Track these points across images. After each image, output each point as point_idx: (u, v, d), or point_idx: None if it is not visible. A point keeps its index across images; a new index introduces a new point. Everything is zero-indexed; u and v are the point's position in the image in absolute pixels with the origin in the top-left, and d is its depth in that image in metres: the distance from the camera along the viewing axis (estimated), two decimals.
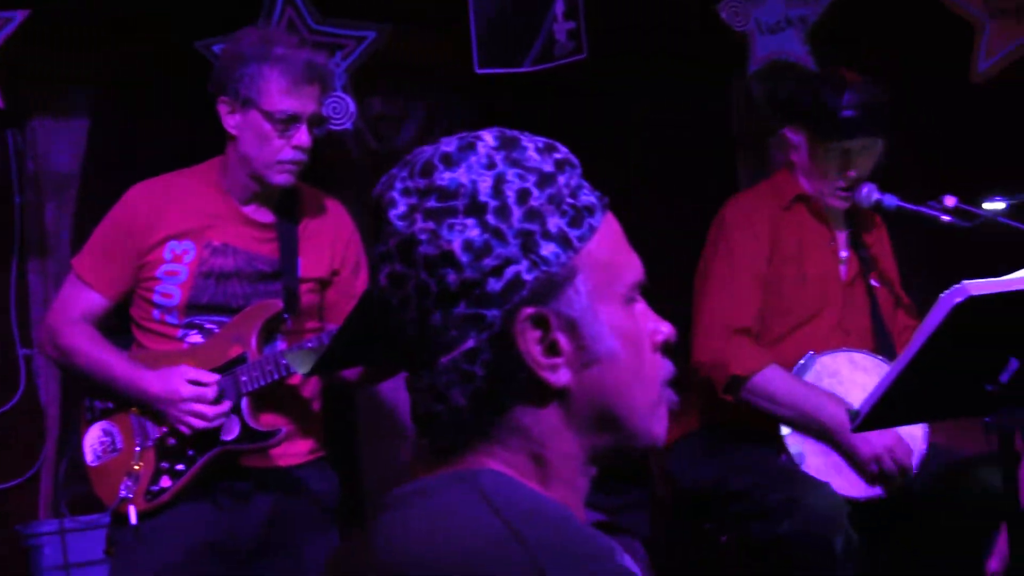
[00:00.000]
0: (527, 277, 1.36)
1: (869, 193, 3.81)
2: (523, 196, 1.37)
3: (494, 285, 1.35)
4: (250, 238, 3.42)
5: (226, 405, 3.27)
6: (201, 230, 3.38)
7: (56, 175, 4.34)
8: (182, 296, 3.37)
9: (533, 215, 1.37)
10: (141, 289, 3.39)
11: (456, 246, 1.34)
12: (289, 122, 3.29)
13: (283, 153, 3.32)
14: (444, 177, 1.37)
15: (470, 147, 1.39)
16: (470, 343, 1.37)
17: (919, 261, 4.58)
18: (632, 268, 1.47)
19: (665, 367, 1.49)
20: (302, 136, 3.31)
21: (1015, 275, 2.98)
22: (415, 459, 1.44)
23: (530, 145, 1.42)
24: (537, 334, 1.38)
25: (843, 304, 4.01)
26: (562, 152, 1.43)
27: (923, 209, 3.71)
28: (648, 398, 1.47)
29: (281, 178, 3.35)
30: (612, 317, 1.43)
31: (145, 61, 4.28)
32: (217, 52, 3.60)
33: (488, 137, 1.41)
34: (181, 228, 3.37)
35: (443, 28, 4.17)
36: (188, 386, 3.24)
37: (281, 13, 3.88)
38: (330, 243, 3.54)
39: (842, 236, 4.06)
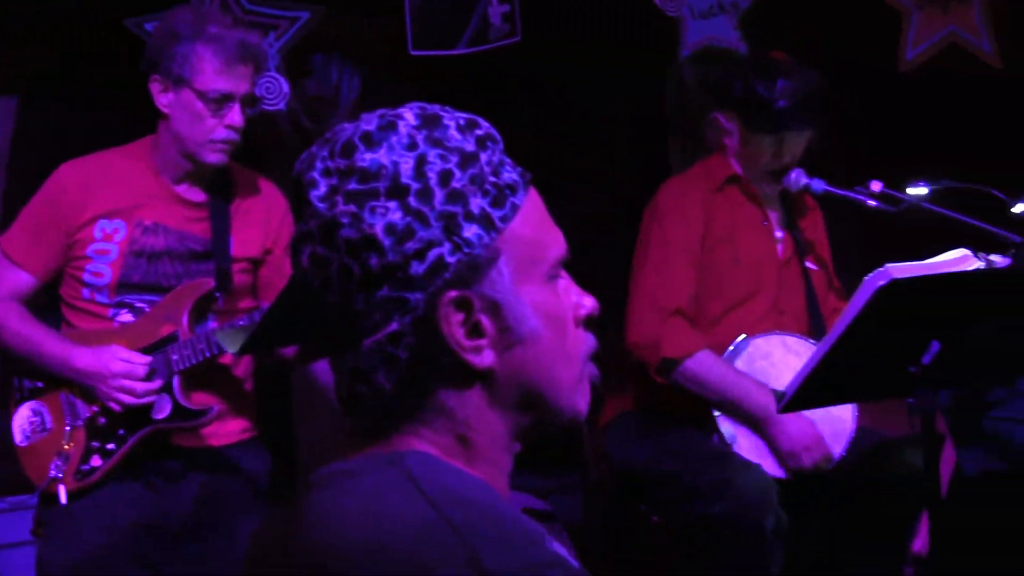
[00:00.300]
0: (450, 260, 1.36)
1: (798, 178, 3.86)
2: (445, 177, 1.37)
3: (417, 268, 1.35)
4: (182, 217, 3.40)
5: (156, 383, 3.26)
6: (132, 209, 3.35)
7: None
8: (112, 275, 3.34)
9: (455, 197, 1.36)
10: (71, 268, 3.37)
11: (378, 230, 1.34)
12: (222, 101, 3.28)
13: (216, 132, 3.30)
14: (365, 158, 1.36)
15: (391, 126, 1.38)
16: (393, 326, 1.37)
17: (848, 245, 4.63)
18: (555, 244, 1.47)
19: (588, 341, 1.50)
20: (235, 116, 3.30)
21: (937, 259, 3.06)
22: (342, 438, 1.43)
23: (451, 123, 1.41)
24: (460, 317, 1.38)
25: (778, 285, 4.05)
26: (484, 128, 1.43)
27: (850, 194, 3.74)
28: (571, 375, 1.48)
29: (214, 157, 3.33)
30: (535, 296, 1.43)
31: (76, 38, 4.26)
32: (150, 30, 3.57)
33: (409, 115, 1.40)
34: (111, 207, 3.35)
35: (377, 9, 4.18)
36: (118, 362, 3.23)
37: None
38: (263, 222, 3.53)
39: (775, 217, 4.09)
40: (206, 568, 3.38)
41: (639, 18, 4.61)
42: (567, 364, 1.47)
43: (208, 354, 3.31)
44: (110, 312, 3.37)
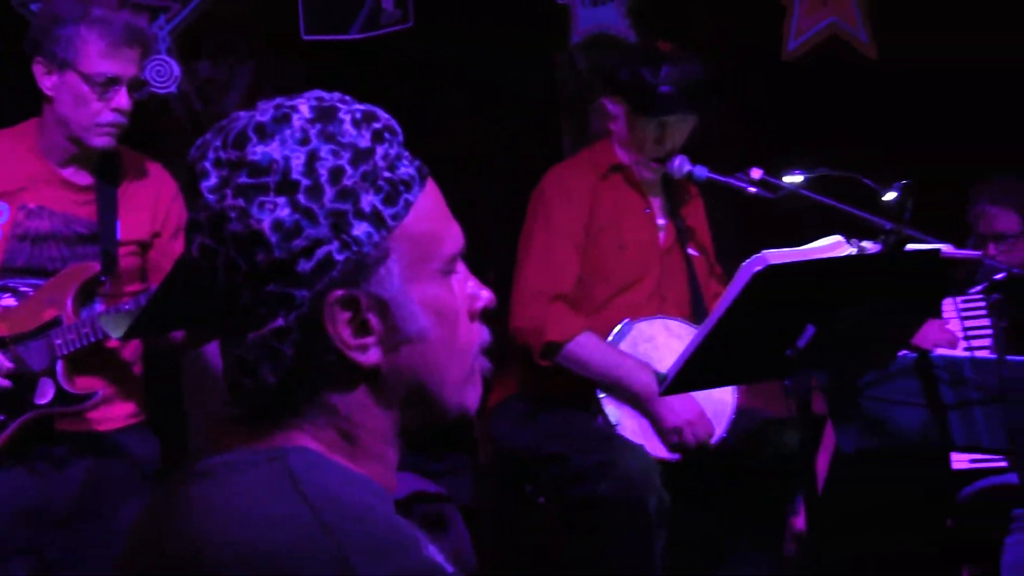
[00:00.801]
0: (338, 258, 1.35)
1: (681, 164, 3.90)
2: (336, 175, 1.34)
3: (304, 266, 1.34)
4: (68, 200, 3.38)
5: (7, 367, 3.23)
6: (16, 192, 3.33)
7: None
8: None
9: (346, 194, 1.35)
10: None
11: (266, 226, 1.32)
12: (108, 84, 3.25)
13: (102, 116, 3.27)
14: (256, 151, 1.34)
15: (285, 119, 1.35)
16: (279, 322, 1.35)
17: (730, 230, 4.70)
18: (451, 239, 1.46)
19: (481, 335, 1.51)
20: (121, 99, 3.28)
21: (812, 245, 3.12)
22: (225, 426, 1.42)
23: (347, 117, 1.38)
24: (347, 315, 1.37)
25: (661, 271, 4.09)
26: (382, 120, 1.41)
27: (731, 180, 3.79)
28: (461, 372, 1.48)
29: (100, 141, 3.31)
30: (427, 293, 1.42)
31: None
32: (35, 11, 3.55)
33: (304, 108, 1.37)
34: None
35: None
36: None
37: None
38: (151, 205, 3.51)
39: (658, 205, 4.14)
40: (90, 553, 3.37)
41: (531, 4, 4.63)
42: (456, 361, 1.47)
43: (92, 338, 3.27)
44: None
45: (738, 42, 4.83)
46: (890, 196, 3.45)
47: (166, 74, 3.90)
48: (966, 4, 5.50)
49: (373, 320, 1.37)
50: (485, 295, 1.50)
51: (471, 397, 1.49)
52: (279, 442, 1.38)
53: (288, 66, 4.71)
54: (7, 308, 3.33)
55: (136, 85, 3.32)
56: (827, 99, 5.38)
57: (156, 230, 3.51)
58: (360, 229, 1.34)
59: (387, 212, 1.36)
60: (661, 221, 4.13)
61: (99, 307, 3.36)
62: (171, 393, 4.65)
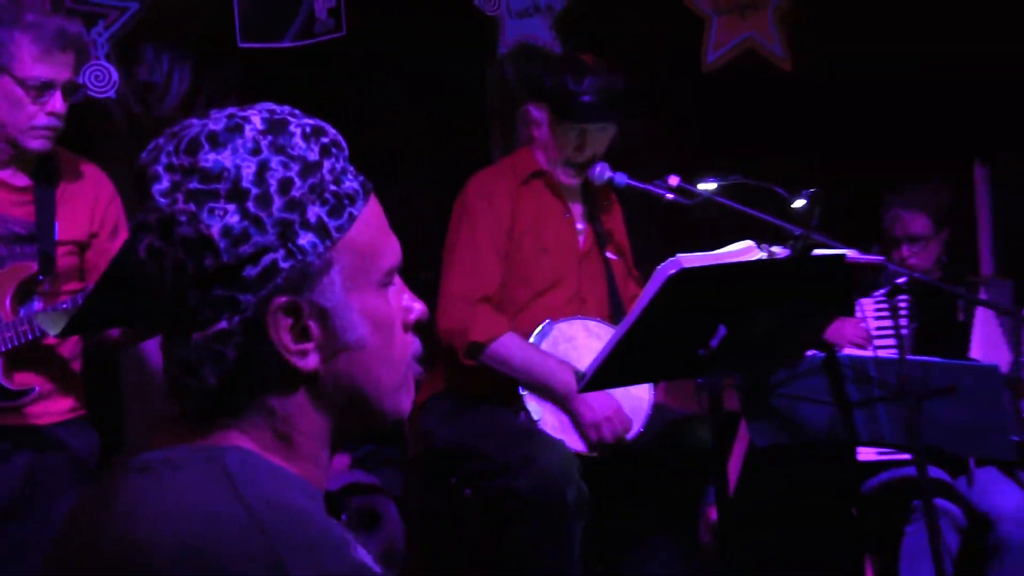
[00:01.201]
0: (283, 266, 1.36)
1: (602, 171, 3.96)
2: (285, 185, 1.36)
3: (250, 271, 1.35)
4: (5, 201, 3.40)
5: None
6: None
7: None
8: None
9: (293, 205, 1.36)
10: None
11: (215, 231, 1.33)
12: (43, 89, 3.28)
13: (37, 119, 3.30)
14: (209, 159, 1.34)
15: (237, 129, 1.37)
16: (223, 324, 1.36)
17: (653, 235, 4.79)
18: (389, 254, 1.47)
19: (414, 344, 1.52)
20: (56, 103, 3.30)
21: (724, 249, 3.17)
22: (165, 422, 1.44)
23: (297, 130, 1.40)
24: (289, 321, 1.38)
25: (580, 274, 4.13)
26: (330, 135, 1.43)
27: (649, 187, 3.82)
28: (395, 378, 1.49)
29: (37, 143, 3.34)
30: (365, 304, 1.44)
31: None
32: None
33: (256, 119, 1.39)
34: None
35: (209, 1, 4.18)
36: None
37: None
38: (89, 206, 3.53)
39: (577, 210, 4.18)
40: (30, 547, 3.37)
41: (460, 15, 4.63)
42: (391, 368, 1.48)
43: (30, 336, 3.30)
44: None
45: (661, 54, 4.84)
46: (799, 204, 3.51)
47: (104, 79, 3.86)
48: (876, 18, 5.61)
49: (314, 327, 1.39)
50: (418, 308, 1.52)
51: (404, 403, 1.51)
52: (217, 441, 1.39)
53: (225, 70, 4.70)
54: None
55: (71, 89, 3.34)
56: (746, 110, 5.40)
57: (94, 230, 3.53)
58: (306, 239, 1.36)
59: (332, 224, 1.38)
60: (580, 226, 4.17)
61: (37, 306, 3.38)
62: (110, 388, 4.61)
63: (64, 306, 3.35)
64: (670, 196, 3.75)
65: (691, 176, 3.74)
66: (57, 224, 3.46)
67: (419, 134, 5.09)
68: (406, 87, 5.00)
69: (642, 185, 3.88)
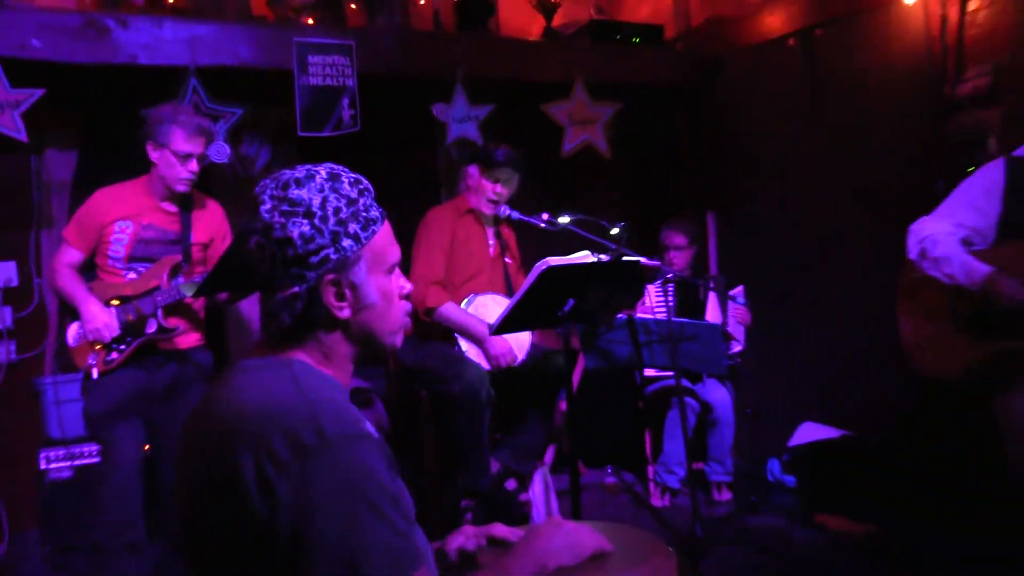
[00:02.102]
0: (333, 257, 1.37)
1: (504, 210, 3.88)
2: (336, 211, 1.37)
3: (313, 260, 1.37)
4: (164, 220, 3.39)
5: (118, 333, 3.24)
6: (136, 215, 3.33)
7: (58, 183, 4.19)
8: (125, 252, 3.32)
9: (341, 222, 1.37)
10: (101, 247, 3.33)
11: (295, 235, 1.35)
12: (186, 158, 3.28)
13: (182, 175, 3.30)
14: (294, 193, 1.37)
15: (311, 177, 1.39)
16: (296, 289, 1.38)
17: (538, 248, 4.79)
18: (394, 254, 1.47)
19: (406, 307, 1.51)
20: (193, 166, 3.31)
21: (573, 256, 3.17)
22: (257, 345, 1.45)
23: (346, 180, 1.41)
24: (334, 289, 1.39)
25: (491, 269, 4.07)
26: (364, 184, 1.44)
27: (530, 219, 3.72)
28: (393, 327, 1.48)
29: (181, 188, 3.33)
30: (378, 282, 1.43)
31: (106, 120, 4.16)
32: (147, 114, 3.57)
33: (323, 171, 1.40)
34: (124, 214, 3.32)
35: (280, 107, 4.09)
36: (103, 318, 3.20)
37: (191, 95, 3.78)
38: (209, 223, 3.50)
39: (490, 232, 4.08)
40: (175, 417, 3.34)
41: (425, 121, 4.54)
42: (391, 321, 1.47)
43: (177, 296, 3.31)
44: (124, 273, 3.33)
45: (538, 146, 4.78)
46: (615, 231, 3.39)
47: (223, 152, 3.75)
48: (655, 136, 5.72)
49: (348, 293, 1.40)
50: (408, 286, 1.51)
51: (398, 341, 1.51)
52: (288, 356, 1.41)
53: (288, 148, 4.65)
54: (132, 280, 3.32)
55: (202, 158, 3.34)
56: (585, 176, 5.45)
57: (212, 237, 3.51)
58: (347, 243, 1.39)
59: (363, 235, 1.40)
60: (492, 241, 4.09)
61: (180, 279, 3.35)
62: (220, 328, 4.56)
63: (195, 279, 3.37)
64: (543, 225, 3.61)
65: (554, 212, 3.61)
66: (192, 233, 3.44)
67: (400, 186, 5.03)
68: (394, 160, 4.92)
69: (526, 218, 3.76)
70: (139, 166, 3.38)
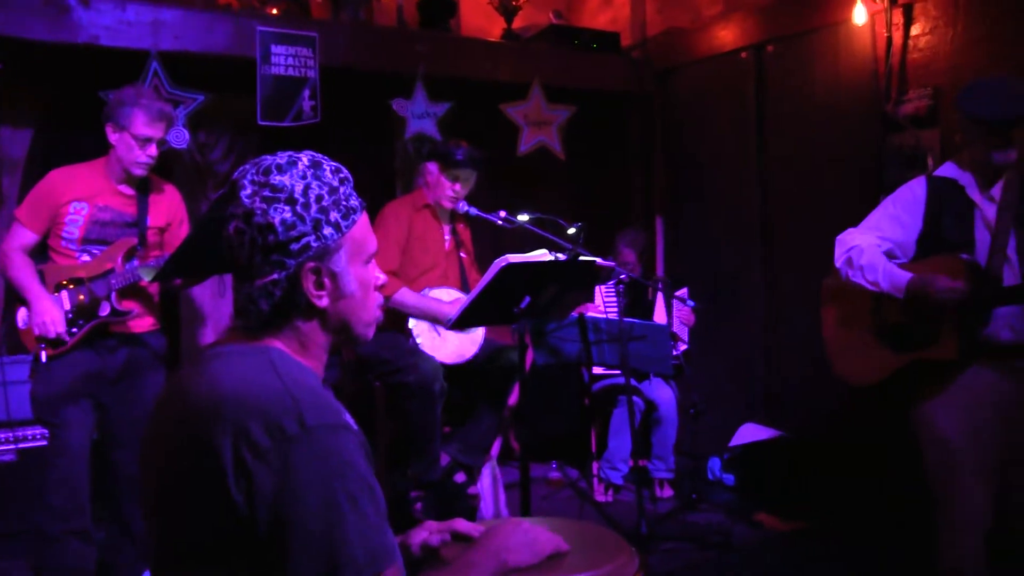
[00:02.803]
0: (314, 245, 1.35)
1: (463, 206, 3.91)
2: (318, 199, 1.35)
3: (294, 247, 1.34)
4: (120, 202, 3.33)
5: (66, 330, 3.18)
6: (92, 196, 3.27)
7: (11, 161, 4.07)
8: (80, 234, 3.25)
9: (322, 210, 1.35)
10: (55, 228, 3.26)
11: (276, 221, 1.33)
12: (146, 142, 3.23)
13: (141, 159, 3.25)
14: (275, 179, 1.35)
15: (293, 163, 1.37)
16: (275, 276, 1.35)
17: (492, 245, 4.80)
18: (371, 244, 1.46)
19: (379, 299, 1.49)
20: (152, 150, 3.26)
21: (531, 254, 3.21)
22: (231, 331, 1.42)
23: (328, 168, 1.39)
24: (313, 278, 1.37)
25: (446, 263, 4.07)
26: (344, 173, 1.42)
27: (488, 216, 3.76)
28: (367, 317, 1.46)
29: (139, 172, 3.28)
30: (357, 272, 1.41)
31: (64, 100, 4.08)
32: (109, 96, 3.50)
33: (305, 158, 1.39)
34: (80, 195, 3.25)
35: (241, 95, 4.05)
36: (51, 314, 3.14)
37: (151, 78, 3.73)
38: (167, 208, 3.45)
39: (446, 227, 4.09)
40: (126, 399, 3.32)
41: (385, 115, 4.56)
42: (366, 311, 1.45)
43: (132, 280, 3.26)
44: (77, 254, 3.26)
45: (495, 145, 4.85)
46: (572, 231, 3.49)
47: (181, 137, 3.75)
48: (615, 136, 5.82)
49: (327, 282, 1.38)
50: (382, 278, 1.50)
51: (370, 332, 1.48)
52: (265, 343, 1.38)
53: (249, 137, 4.61)
54: (86, 262, 3.27)
55: (161, 143, 3.29)
56: (537, 177, 5.47)
57: (169, 221, 3.46)
58: (327, 230, 1.36)
59: (343, 223, 1.38)
60: (447, 236, 4.09)
61: (136, 263, 3.30)
62: (174, 313, 4.51)
63: (151, 263, 3.32)
64: (500, 222, 3.69)
65: (507, 210, 3.67)
66: (148, 217, 3.38)
67: (356, 179, 5.03)
68: (351, 153, 4.87)
69: (484, 215, 3.81)
70: (97, 148, 3.32)
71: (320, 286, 1.38)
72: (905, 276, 2.63)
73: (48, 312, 3.16)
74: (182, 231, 3.49)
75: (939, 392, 2.63)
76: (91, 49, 3.72)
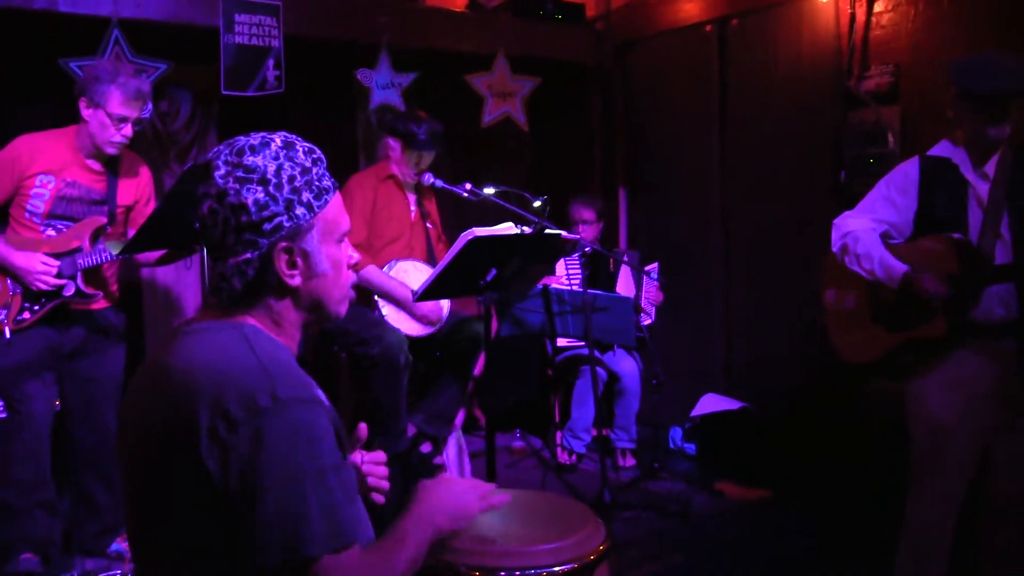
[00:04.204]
0: (286, 224, 1.37)
1: (427, 177, 3.91)
2: (291, 179, 1.37)
3: (266, 226, 1.36)
4: (89, 178, 3.26)
5: (64, 280, 3.16)
6: (59, 170, 3.19)
7: None
8: (45, 208, 3.18)
9: (295, 190, 1.37)
10: (19, 199, 3.18)
11: (249, 201, 1.35)
12: (121, 121, 3.17)
13: (115, 138, 3.18)
14: (248, 160, 1.36)
15: (266, 144, 1.38)
16: (248, 255, 1.37)
17: (455, 216, 4.82)
18: (344, 223, 1.47)
19: (351, 277, 1.51)
20: (127, 130, 3.20)
21: (497, 227, 3.20)
22: (205, 308, 1.45)
23: (300, 148, 1.41)
24: (285, 257, 1.39)
25: (411, 235, 4.07)
26: (317, 153, 1.43)
27: (454, 188, 3.75)
28: (340, 295, 1.48)
29: (111, 150, 3.21)
30: (329, 251, 1.43)
31: (22, 67, 3.97)
32: (76, 68, 3.40)
33: (278, 140, 1.40)
34: (47, 168, 3.18)
35: (207, 63, 3.98)
36: (40, 264, 3.11)
37: (112, 46, 3.65)
38: (135, 185, 3.40)
39: (412, 198, 4.08)
40: (84, 375, 3.32)
41: (348, 85, 4.54)
42: (338, 289, 1.47)
43: (101, 259, 3.22)
44: (41, 229, 3.19)
45: (460, 116, 4.83)
46: (537, 203, 3.48)
47: (145, 107, 3.75)
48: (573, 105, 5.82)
49: (299, 261, 1.40)
50: (356, 257, 1.51)
51: (343, 309, 1.50)
52: (238, 320, 1.40)
53: (211, 107, 4.53)
54: (51, 237, 3.21)
55: (137, 122, 3.23)
56: (499, 148, 5.46)
57: (137, 199, 3.41)
58: (300, 210, 1.38)
59: (315, 203, 1.40)
60: (413, 208, 4.09)
61: (102, 241, 3.26)
62: (136, 291, 4.47)
63: (120, 240, 3.29)
64: (465, 194, 3.67)
65: (471, 182, 3.67)
66: (117, 195, 3.33)
67: (321, 148, 4.96)
68: (314, 124, 4.84)
69: (450, 187, 3.80)
70: (55, 117, 3.26)
71: (292, 265, 1.40)
72: (900, 268, 2.65)
73: (35, 264, 3.11)
74: (148, 210, 3.42)
75: (931, 370, 2.66)
76: (49, 15, 3.62)
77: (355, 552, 1.29)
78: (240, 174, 1.36)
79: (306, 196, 1.38)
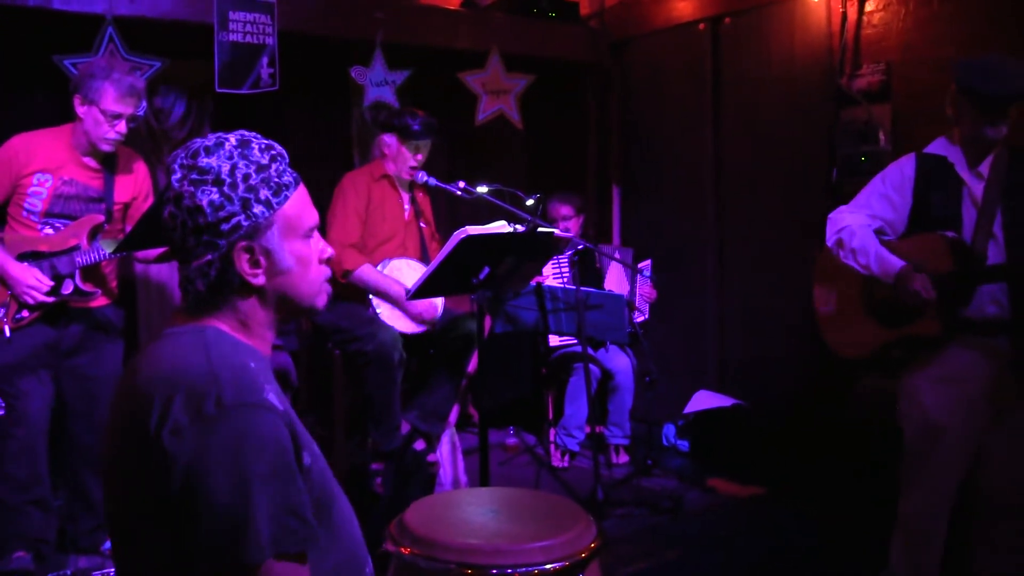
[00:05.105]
0: (244, 224, 1.37)
1: (421, 176, 3.92)
2: (246, 177, 1.37)
3: (224, 227, 1.36)
4: (86, 176, 3.27)
5: (51, 299, 3.16)
6: (56, 168, 3.21)
7: None
8: (43, 206, 3.19)
9: (251, 189, 1.37)
10: (16, 197, 3.19)
11: (204, 203, 1.35)
12: (115, 118, 3.17)
13: (109, 135, 3.19)
14: (203, 162, 1.37)
15: (220, 144, 1.39)
16: (208, 257, 1.38)
17: (448, 214, 4.87)
18: (309, 218, 1.46)
19: (325, 272, 1.50)
20: (121, 127, 3.21)
21: (490, 225, 3.21)
22: (177, 312, 1.45)
23: (256, 145, 1.41)
24: (247, 256, 1.39)
25: (405, 234, 4.08)
26: (276, 149, 1.43)
27: (447, 186, 3.75)
28: (311, 290, 1.47)
29: (106, 147, 3.22)
30: (293, 247, 1.42)
31: (17, 64, 3.97)
32: (71, 66, 3.39)
33: (232, 139, 1.40)
34: (44, 166, 3.19)
35: (201, 61, 3.98)
36: (33, 279, 3.12)
37: (106, 44, 3.65)
38: (132, 182, 3.40)
39: (406, 197, 4.09)
40: (81, 371, 3.33)
41: (343, 83, 4.55)
42: (308, 284, 1.46)
43: (98, 258, 3.22)
44: (39, 227, 3.20)
45: (453, 113, 4.83)
46: (530, 202, 3.51)
47: (139, 105, 3.76)
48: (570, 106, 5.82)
49: (262, 260, 1.40)
50: (329, 251, 1.50)
51: (320, 302, 1.49)
52: (204, 323, 1.41)
53: (205, 103, 4.52)
54: (48, 235, 3.22)
55: (132, 119, 3.23)
56: (494, 146, 5.46)
57: (135, 196, 3.42)
58: (258, 208, 1.38)
59: (274, 200, 1.39)
60: (407, 206, 4.09)
61: (99, 239, 3.27)
62: (132, 289, 4.47)
63: (116, 238, 3.30)
64: (459, 192, 3.68)
65: (465, 180, 3.66)
66: (114, 192, 3.33)
67: (313, 148, 4.96)
68: (309, 120, 4.86)
69: (443, 185, 3.80)
70: (51, 114, 3.28)
71: (255, 264, 1.40)
72: (896, 264, 2.66)
73: (28, 277, 3.13)
74: (145, 205, 3.43)
75: (924, 366, 2.68)
76: (43, 12, 3.63)
77: (301, 560, 1.28)
78: (195, 176, 1.36)
79: (264, 193, 1.38)
